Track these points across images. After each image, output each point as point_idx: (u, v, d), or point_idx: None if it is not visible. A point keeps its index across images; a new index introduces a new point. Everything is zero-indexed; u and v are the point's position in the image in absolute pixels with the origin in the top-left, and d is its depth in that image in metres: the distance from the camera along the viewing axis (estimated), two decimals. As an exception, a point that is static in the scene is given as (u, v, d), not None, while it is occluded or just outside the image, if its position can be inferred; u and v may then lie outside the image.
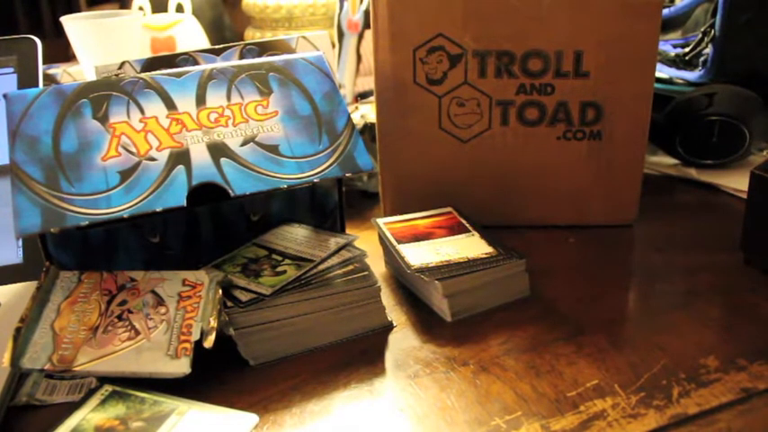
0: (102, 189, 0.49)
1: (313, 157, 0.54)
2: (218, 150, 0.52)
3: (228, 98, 0.55)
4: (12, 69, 0.65)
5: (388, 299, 0.56)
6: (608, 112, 0.62)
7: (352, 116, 0.58)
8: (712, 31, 0.75)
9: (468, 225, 0.59)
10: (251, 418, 0.42)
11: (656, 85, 0.70)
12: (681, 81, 0.83)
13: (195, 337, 0.44)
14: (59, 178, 0.49)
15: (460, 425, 0.42)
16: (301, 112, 0.56)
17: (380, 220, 0.60)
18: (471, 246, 0.55)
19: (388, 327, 0.52)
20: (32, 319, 0.46)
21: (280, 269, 0.50)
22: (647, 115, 0.62)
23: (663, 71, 0.84)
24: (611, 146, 0.63)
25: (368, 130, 0.74)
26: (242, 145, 0.53)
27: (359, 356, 0.49)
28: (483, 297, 0.53)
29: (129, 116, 0.52)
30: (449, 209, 0.62)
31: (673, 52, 0.82)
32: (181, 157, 0.51)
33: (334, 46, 0.94)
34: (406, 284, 0.57)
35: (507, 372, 0.47)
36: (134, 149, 0.51)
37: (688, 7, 0.79)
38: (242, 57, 0.65)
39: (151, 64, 0.64)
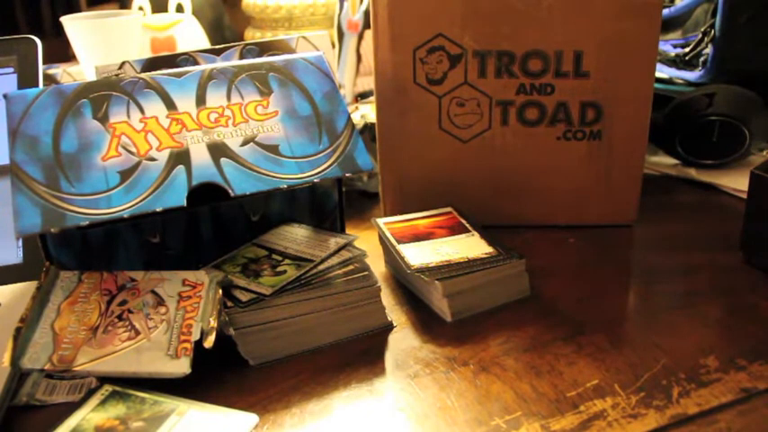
0: (102, 189, 0.49)
1: (313, 157, 0.54)
2: (218, 150, 0.52)
3: (228, 98, 0.55)
4: (12, 69, 0.65)
5: (388, 299, 0.56)
6: (608, 112, 0.62)
7: (352, 116, 0.58)
8: (712, 31, 0.75)
9: (468, 225, 0.59)
10: (251, 418, 0.42)
11: (656, 85, 0.70)
12: (681, 81, 0.83)
13: (195, 337, 0.44)
14: (59, 178, 0.49)
15: (460, 425, 0.42)
16: (301, 112, 0.56)
17: (380, 220, 0.60)
18: (471, 246, 0.55)
19: (388, 327, 0.52)
20: (32, 319, 0.46)
21: (280, 269, 0.50)
22: (647, 115, 0.62)
23: (663, 71, 0.84)
24: (611, 146, 0.63)
25: (368, 130, 0.74)
26: (242, 145, 0.53)
27: (359, 356, 0.49)
28: (483, 297, 0.53)
29: (129, 116, 0.52)
30: (449, 209, 0.62)
31: (673, 52, 0.82)
32: (181, 157, 0.51)
33: (334, 46, 0.94)
34: (406, 284, 0.57)
35: (507, 372, 0.47)
36: (134, 149, 0.51)
37: (688, 7, 0.79)
38: (242, 57, 0.65)
39: (151, 64, 0.64)
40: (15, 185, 0.48)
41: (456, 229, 0.58)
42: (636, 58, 0.60)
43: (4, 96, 0.52)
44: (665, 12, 0.81)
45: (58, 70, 1.04)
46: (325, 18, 1.06)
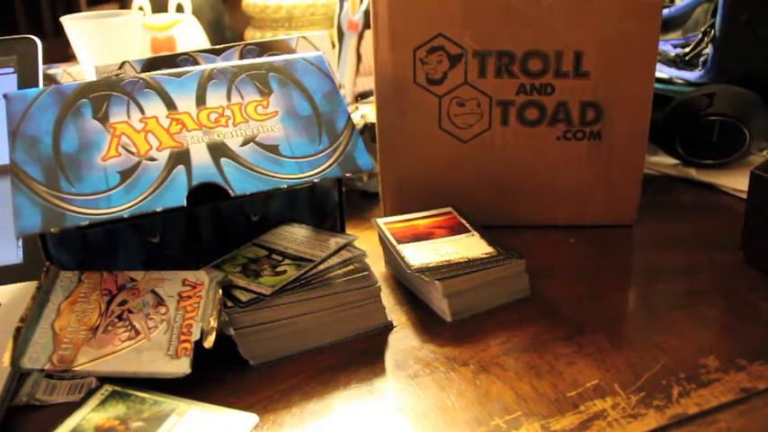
0: (102, 189, 0.49)
1: (313, 157, 0.54)
2: (218, 150, 0.52)
3: (228, 98, 0.55)
4: (12, 69, 0.65)
5: (388, 299, 0.56)
6: (608, 112, 0.62)
7: (352, 116, 0.58)
8: (712, 31, 0.75)
9: (468, 225, 0.59)
10: (251, 418, 0.42)
11: (656, 85, 0.70)
12: (681, 81, 0.83)
13: (195, 337, 0.44)
14: (59, 178, 0.49)
15: (460, 425, 0.42)
16: (301, 112, 0.56)
17: (380, 220, 0.60)
18: (471, 246, 0.55)
19: (388, 327, 0.52)
20: (32, 319, 0.46)
21: (280, 269, 0.50)
22: (647, 115, 0.62)
23: (663, 71, 0.84)
24: (611, 146, 0.63)
25: (368, 130, 0.74)
26: (242, 145, 0.53)
27: (359, 356, 0.49)
28: (483, 297, 0.53)
29: (129, 116, 0.52)
30: (449, 209, 0.62)
31: (673, 52, 0.82)
32: (181, 157, 0.51)
33: (334, 46, 0.94)
34: (406, 284, 0.57)
35: (507, 372, 0.47)
36: (134, 149, 0.51)
37: (688, 7, 0.79)
38: (242, 57, 0.65)
39: (151, 64, 0.64)
40: (15, 185, 0.48)
41: (456, 229, 0.58)
42: (636, 58, 0.60)
43: (4, 96, 0.52)
44: (665, 12, 0.81)
45: (58, 70, 1.04)
46: (325, 18, 1.06)
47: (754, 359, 0.47)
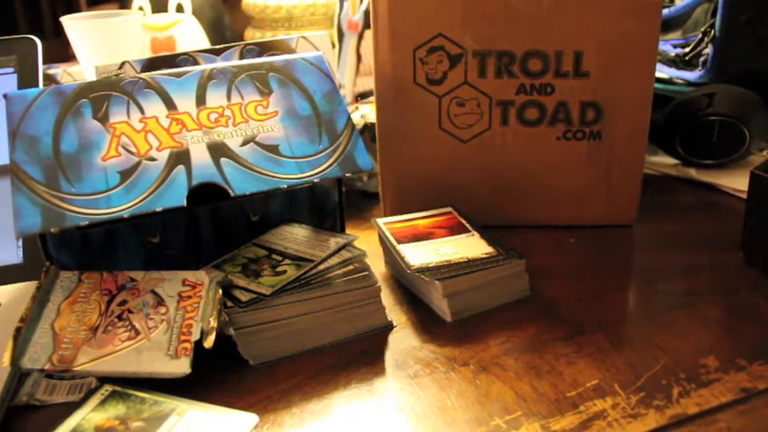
0: (102, 189, 0.49)
1: (313, 157, 0.54)
2: (218, 150, 0.52)
3: (228, 98, 0.55)
4: (12, 69, 0.65)
5: (388, 299, 0.56)
6: (608, 112, 0.62)
7: (352, 116, 0.58)
8: (712, 31, 0.75)
9: (468, 225, 0.59)
10: (251, 418, 0.42)
11: (656, 85, 0.70)
12: (681, 81, 0.83)
13: (195, 337, 0.44)
14: (59, 178, 0.49)
15: (460, 425, 0.42)
16: (301, 112, 0.56)
17: (380, 220, 0.60)
18: (471, 246, 0.55)
19: (388, 327, 0.52)
20: (32, 319, 0.46)
21: (280, 269, 0.50)
22: (647, 115, 0.62)
23: (663, 71, 0.84)
24: (611, 146, 0.63)
25: (368, 130, 0.74)
26: (242, 145, 0.53)
27: (359, 356, 0.49)
28: (483, 297, 0.53)
29: (129, 116, 0.52)
30: (449, 209, 0.62)
31: (673, 52, 0.82)
32: (181, 157, 0.51)
33: (334, 46, 0.94)
34: (406, 284, 0.57)
35: (507, 372, 0.47)
36: (134, 149, 0.51)
37: (688, 7, 0.79)
38: (242, 57, 0.65)
39: (151, 64, 0.64)
40: (15, 185, 0.48)
41: (456, 229, 0.58)
42: (636, 58, 0.60)
43: (4, 96, 0.52)
44: (665, 12, 0.81)
45: (58, 70, 1.04)
46: (325, 18, 1.06)
47: (754, 359, 0.47)
